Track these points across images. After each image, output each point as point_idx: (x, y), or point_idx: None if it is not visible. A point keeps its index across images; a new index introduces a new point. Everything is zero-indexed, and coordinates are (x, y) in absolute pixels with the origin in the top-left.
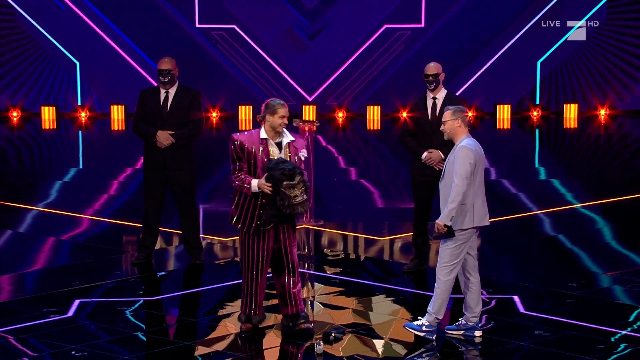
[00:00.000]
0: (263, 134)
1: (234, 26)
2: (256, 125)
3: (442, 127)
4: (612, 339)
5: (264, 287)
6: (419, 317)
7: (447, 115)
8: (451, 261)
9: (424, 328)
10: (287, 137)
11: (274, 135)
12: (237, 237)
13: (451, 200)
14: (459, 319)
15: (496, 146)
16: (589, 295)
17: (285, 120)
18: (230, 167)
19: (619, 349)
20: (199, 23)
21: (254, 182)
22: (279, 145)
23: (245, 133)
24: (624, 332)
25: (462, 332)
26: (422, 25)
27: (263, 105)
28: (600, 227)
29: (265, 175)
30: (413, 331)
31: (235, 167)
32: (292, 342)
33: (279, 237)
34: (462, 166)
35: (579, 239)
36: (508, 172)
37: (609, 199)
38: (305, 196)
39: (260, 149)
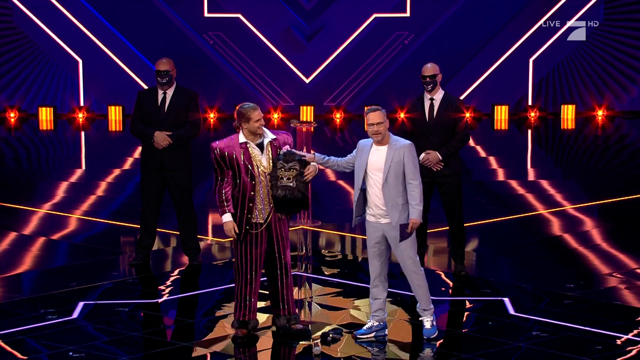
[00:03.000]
0: (242, 138)
1: (239, 15)
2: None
3: (376, 128)
4: (610, 340)
5: (257, 292)
6: (425, 319)
7: (381, 116)
8: (416, 255)
9: (434, 324)
10: (268, 137)
11: (253, 138)
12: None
13: (420, 199)
14: (370, 322)
15: (493, 147)
16: (587, 296)
17: (262, 122)
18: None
19: (617, 350)
20: (201, 19)
21: (225, 217)
22: (260, 146)
23: (225, 140)
24: (624, 336)
25: (373, 334)
26: (408, 14)
27: (235, 113)
28: (597, 228)
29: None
30: (432, 336)
31: (217, 176)
32: (290, 343)
33: (272, 239)
34: (417, 165)
35: (577, 239)
36: (505, 173)
37: (607, 199)
38: (293, 184)
39: (242, 153)
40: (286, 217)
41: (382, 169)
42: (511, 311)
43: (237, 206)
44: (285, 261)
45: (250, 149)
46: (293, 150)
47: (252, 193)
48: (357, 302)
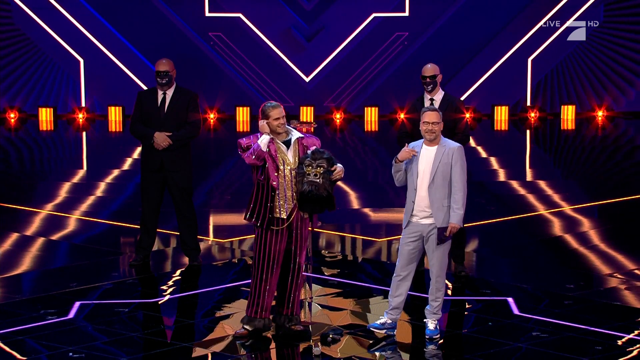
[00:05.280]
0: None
1: (239, 14)
2: (253, 126)
3: (431, 127)
4: (610, 341)
5: (273, 291)
6: (430, 321)
7: (438, 116)
8: (446, 259)
9: (437, 327)
10: (295, 135)
11: (277, 136)
12: (236, 239)
13: (463, 204)
14: (383, 318)
15: (493, 148)
16: (587, 297)
17: (282, 120)
18: (237, 166)
19: (617, 351)
20: (202, 18)
21: (262, 138)
22: (287, 143)
23: (251, 136)
24: (625, 336)
25: (384, 331)
26: (406, 14)
27: (259, 111)
28: (597, 229)
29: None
30: (435, 336)
31: (242, 151)
32: (290, 343)
33: (291, 238)
34: (464, 168)
35: (577, 240)
36: (505, 173)
37: (607, 200)
38: (320, 180)
39: (268, 147)
40: (309, 216)
41: (430, 169)
42: (515, 311)
43: (261, 193)
44: (300, 261)
45: (276, 143)
46: (322, 149)
47: (275, 183)
48: (357, 303)
